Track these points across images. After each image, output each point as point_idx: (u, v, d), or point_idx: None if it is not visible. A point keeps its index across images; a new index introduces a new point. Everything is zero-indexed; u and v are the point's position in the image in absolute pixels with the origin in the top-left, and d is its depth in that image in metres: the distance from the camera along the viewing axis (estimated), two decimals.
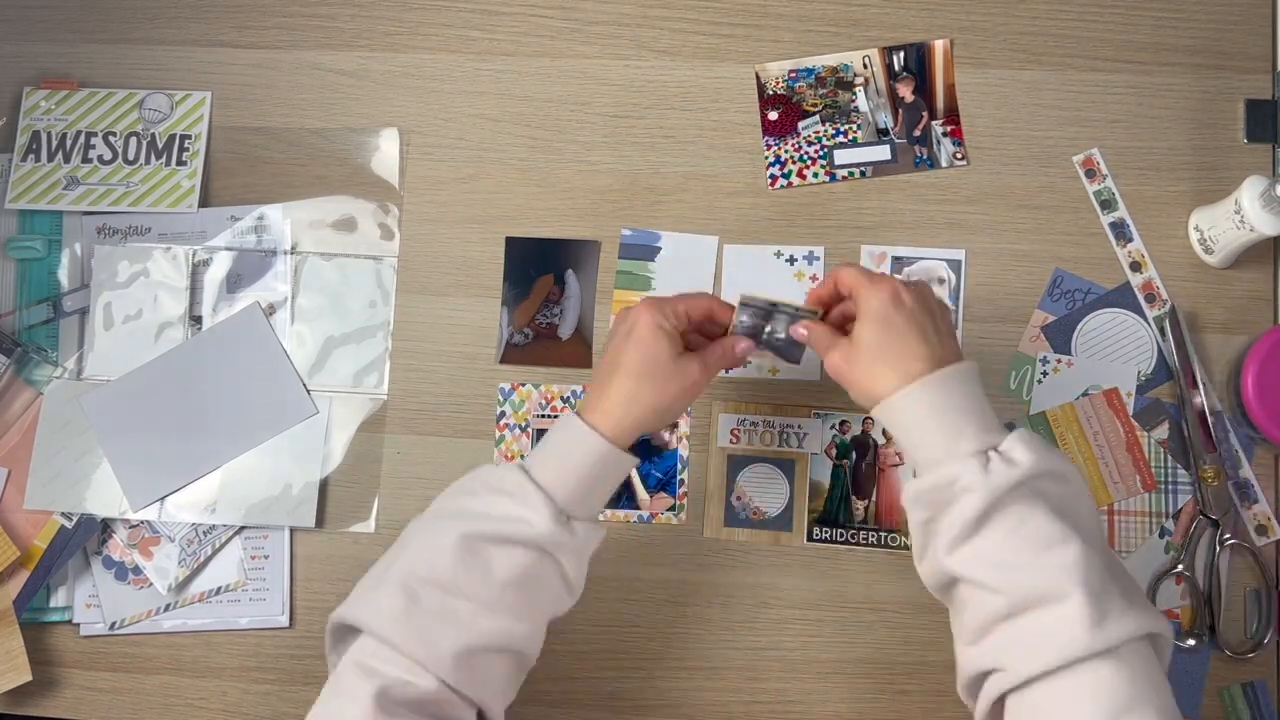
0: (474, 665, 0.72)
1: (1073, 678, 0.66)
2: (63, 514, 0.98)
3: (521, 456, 0.96)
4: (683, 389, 0.80)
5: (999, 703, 0.70)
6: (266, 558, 0.97)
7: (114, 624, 0.97)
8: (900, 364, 0.75)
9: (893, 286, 0.77)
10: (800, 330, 0.84)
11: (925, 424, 0.74)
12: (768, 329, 0.86)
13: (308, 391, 0.99)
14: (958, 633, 0.74)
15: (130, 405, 0.99)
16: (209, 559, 0.97)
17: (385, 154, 1.01)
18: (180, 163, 1.02)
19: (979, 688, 0.71)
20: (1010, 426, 0.94)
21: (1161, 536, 0.92)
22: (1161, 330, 0.94)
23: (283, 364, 0.99)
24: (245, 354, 0.99)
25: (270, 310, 1.00)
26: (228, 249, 1.01)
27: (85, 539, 0.97)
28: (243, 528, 0.97)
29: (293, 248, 1.00)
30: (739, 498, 0.95)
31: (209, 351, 0.99)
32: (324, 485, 0.98)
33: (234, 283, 1.00)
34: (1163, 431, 0.93)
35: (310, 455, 0.98)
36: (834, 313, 0.84)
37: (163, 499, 0.97)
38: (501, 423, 0.97)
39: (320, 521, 0.97)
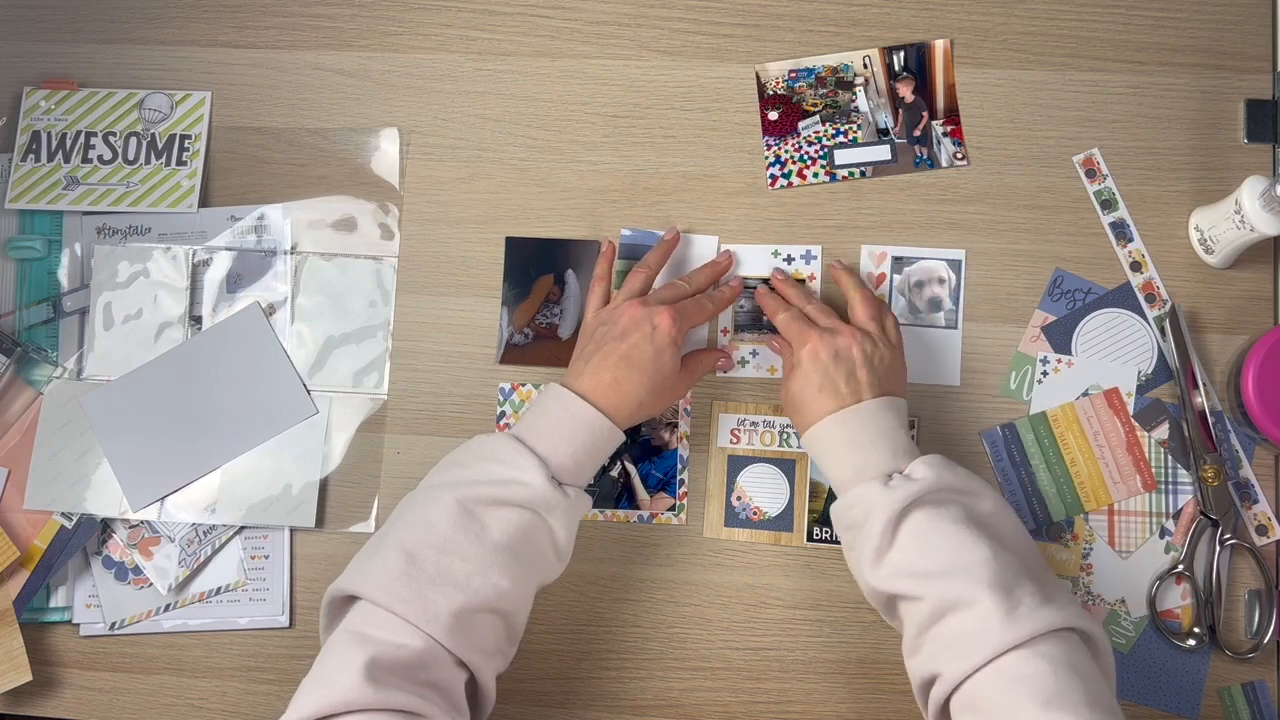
0: (468, 626, 0.74)
1: (997, 672, 0.69)
2: (63, 514, 0.97)
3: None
4: (671, 401, 0.89)
5: (944, 710, 0.73)
6: (266, 558, 0.97)
7: (114, 624, 0.97)
8: (811, 410, 0.84)
9: (811, 345, 0.85)
10: (774, 344, 0.95)
11: (836, 454, 0.82)
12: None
13: (308, 391, 0.99)
14: (905, 650, 0.77)
15: (130, 405, 0.99)
16: (209, 559, 0.97)
17: (385, 154, 1.01)
18: (180, 163, 1.02)
19: (926, 697, 0.74)
20: (1008, 426, 0.94)
21: (1162, 536, 0.92)
22: (1162, 330, 0.94)
23: (282, 364, 0.99)
24: (245, 354, 0.99)
25: (270, 310, 1.00)
26: (228, 249, 1.01)
27: (85, 539, 0.97)
28: (243, 528, 0.97)
29: (293, 248, 1.00)
30: (739, 498, 0.95)
31: (209, 351, 0.99)
32: (324, 485, 0.98)
33: (234, 283, 1.00)
34: (1163, 431, 0.93)
35: (310, 455, 0.98)
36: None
37: (163, 499, 0.97)
38: (502, 423, 0.97)
39: (320, 521, 0.97)
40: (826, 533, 0.94)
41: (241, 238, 1.01)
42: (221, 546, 0.97)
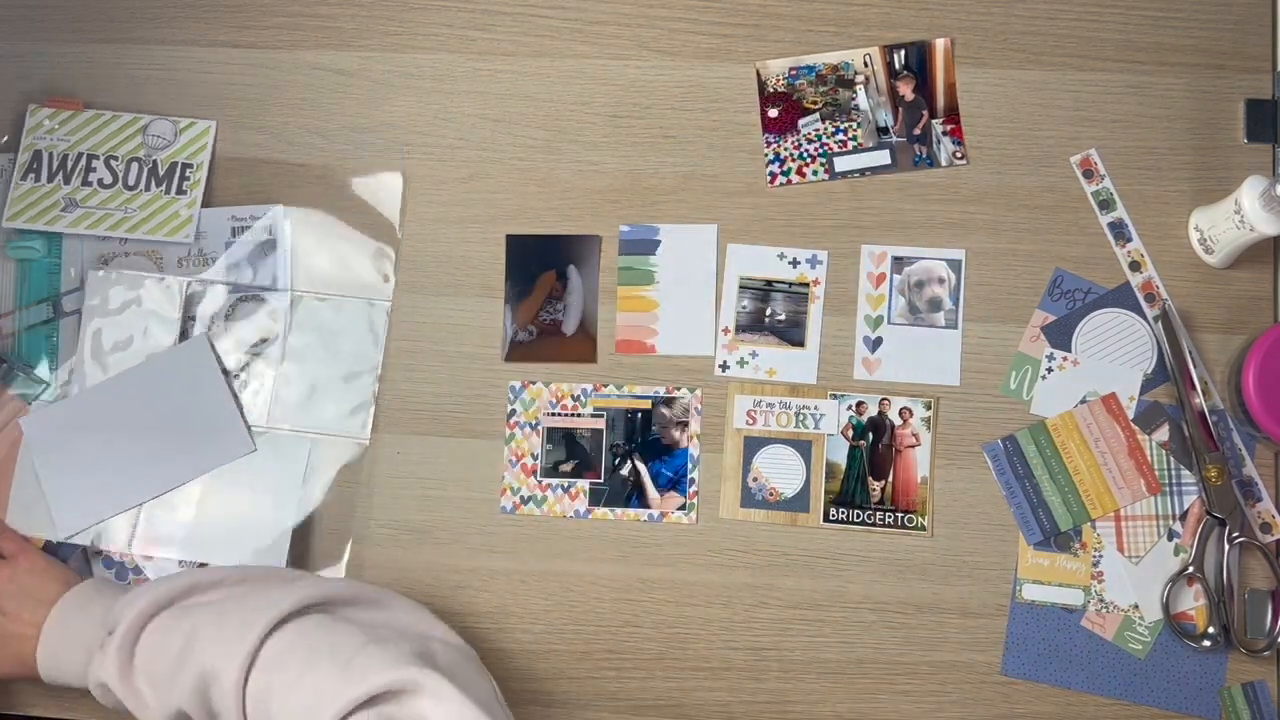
0: None
1: None
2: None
3: (533, 456, 0.97)
4: None
5: None
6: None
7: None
8: None
9: None
10: None
11: None
12: (768, 311, 0.93)
13: (248, 428, 0.97)
14: None
15: (70, 427, 0.97)
16: None
17: (387, 194, 1.01)
18: (180, 191, 1.01)
19: None
20: (1009, 439, 0.94)
21: (1170, 539, 0.92)
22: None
23: (224, 398, 0.98)
24: (188, 385, 0.98)
25: (262, 343, 0.99)
26: (223, 283, 1.00)
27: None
28: None
29: (290, 284, 1.00)
30: (755, 479, 0.95)
31: (153, 380, 0.98)
32: (300, 526, 0.97)
33: (227, 317, 1.00)
34: (1163, 433, 0.93)
35: (286, 497, 0.97)
36: None
37: (93, 526, 0.97)
38: (512, 421, 0.97)
39: (290, 563, 0.96)
40: (843, 513, 0.94)
41: (238, 271, 1.00)
42: None
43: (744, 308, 0.97)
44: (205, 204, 1.01)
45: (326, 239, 1.00)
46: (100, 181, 1.02)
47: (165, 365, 0.99)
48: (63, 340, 1.00)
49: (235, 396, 0.98)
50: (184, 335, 0.99)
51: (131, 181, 1.02)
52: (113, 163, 1.02)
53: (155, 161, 1.02)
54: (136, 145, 1.02)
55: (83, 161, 1.02)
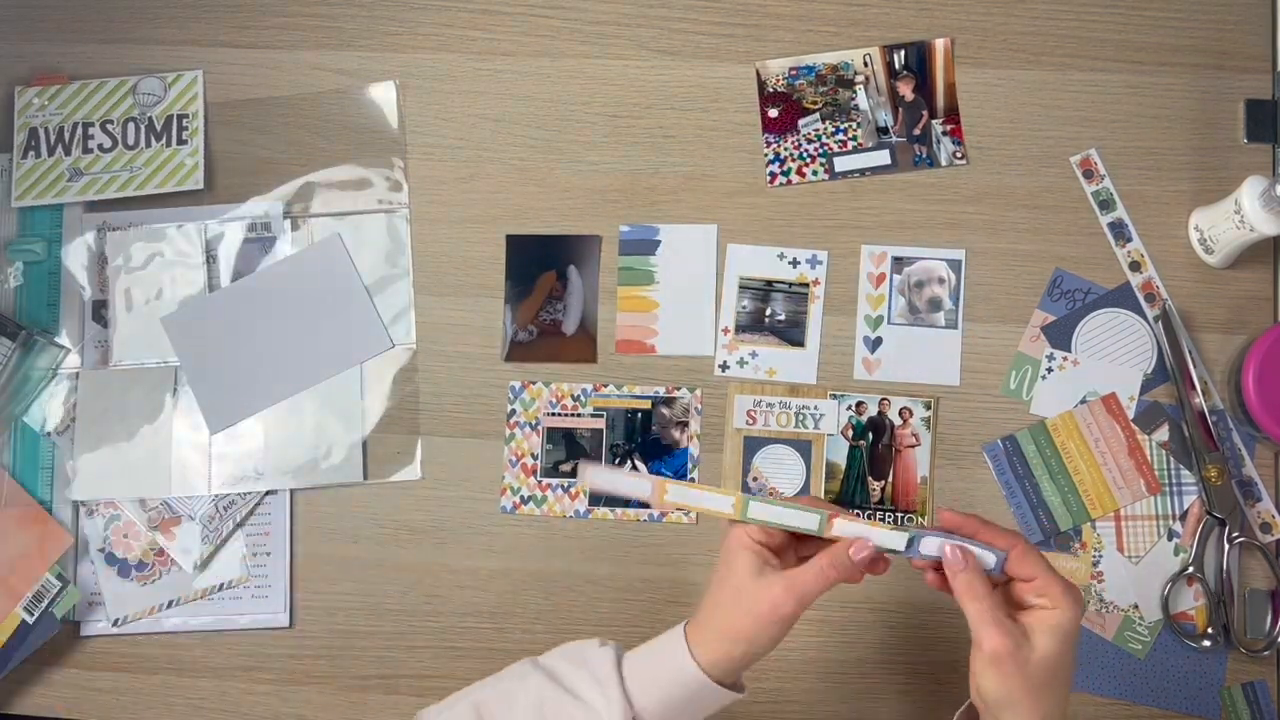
0: None
1: None
2: (24, 609, 0.95)
3: (533, 456, 0.97)
4: (759, 615, 0.71)
5: None
6: (269, 554, 0.97)
7: (117, 620, 0.97)
8: (1056, 702, 0.67)
9: (1082, 609, 0.68)
10: (954, 554, 0.69)
11: None
12: (768, 311, 0.93)
13: (384, 325, 0.99)
14: None
15: (210, 327, 1.00)
16: (231, 533, 0.98)
17: (384, 109, 1.02)
18: (181, 141, 1.02)
19: None
20: (1009, 439, 0.94)
21: (1170, 539, 0.92)
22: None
23: (360, 296, 1.00)
24: (324, 285, 1.00)
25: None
26: (239, 218, 1.01)
27: (44, 636, 0.95)
28: (251, 513, 0.98)
29: (304, 210, 1.01)
30: (755, 479, 0.95)
31: (288, 280, 1.00)
32: (366, 439, 0.99)
33: (250, 252, 1.01)
34: (1163, 433, 0.93)
35: (350, 412, 0.99)
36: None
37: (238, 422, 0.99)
38: (511, 421, 0.97)
39: (367, 474, 0.98)
40: None
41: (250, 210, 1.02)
42: (244, 520, 0.98)
43: (744, 308, 0.97)
44: (205, 202, 1.02)
45: (333, 176, 1.02)
46: (100, 146, 1.02)
47: (299, 266, 1.00)
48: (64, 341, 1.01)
49: (369, 294, 1.00)
50: (211, 275, 1.01)
51: (131, 141, 1.02)
52: (109, 126, 1.03)
53: (150, 118, 1.03)
54: (129, 106, 1.03)
55: (79, 131, 1.03)
